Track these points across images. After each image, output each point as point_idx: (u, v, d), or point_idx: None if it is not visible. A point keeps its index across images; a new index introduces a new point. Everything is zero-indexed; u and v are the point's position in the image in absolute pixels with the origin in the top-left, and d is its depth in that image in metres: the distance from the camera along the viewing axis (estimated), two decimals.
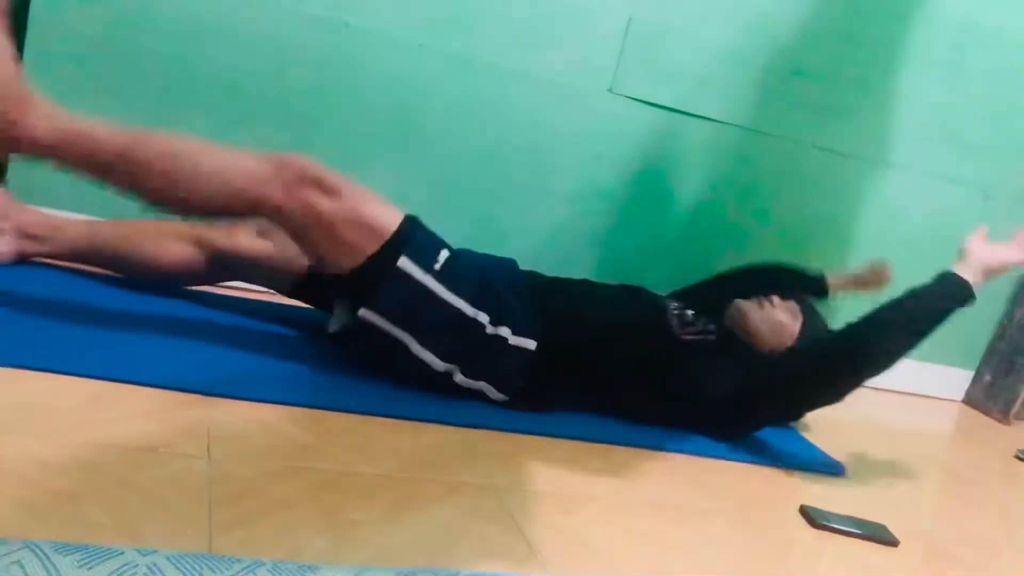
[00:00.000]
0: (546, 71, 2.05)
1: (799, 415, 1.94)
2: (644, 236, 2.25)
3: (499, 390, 1.61)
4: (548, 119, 2.08)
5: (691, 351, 1.73)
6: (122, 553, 0.80)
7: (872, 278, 1.93)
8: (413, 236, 1.51)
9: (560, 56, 2.05)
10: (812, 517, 1.52)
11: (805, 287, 1.97)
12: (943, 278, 1.73)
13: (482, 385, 1.61)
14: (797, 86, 2.27)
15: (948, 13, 2.33)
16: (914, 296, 1.72)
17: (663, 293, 1.94)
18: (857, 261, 2.17)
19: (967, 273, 1.73)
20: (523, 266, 1.80)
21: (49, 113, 1.36)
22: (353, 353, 1.64)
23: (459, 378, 1.59)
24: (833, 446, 1.93)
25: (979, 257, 1.75)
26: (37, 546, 0.78)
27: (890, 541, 1.52)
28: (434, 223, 1.90)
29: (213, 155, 1.42)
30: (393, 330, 1.53)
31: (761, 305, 1.84)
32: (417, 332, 1.54)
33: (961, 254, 1.77)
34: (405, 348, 1.54)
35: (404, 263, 1.49)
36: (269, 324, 1.74)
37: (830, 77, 2.29)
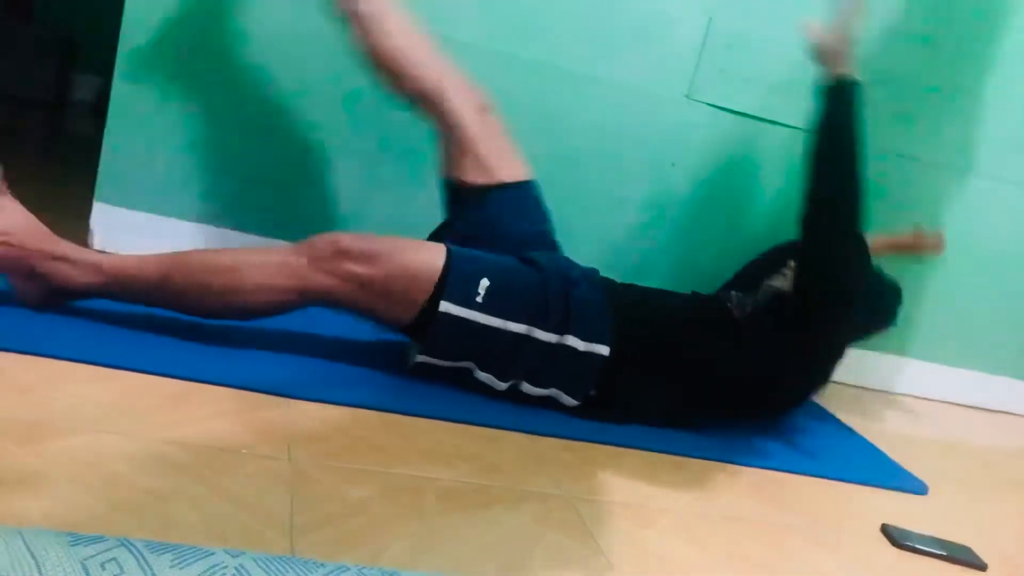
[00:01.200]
0: (623, 77, 2.04)
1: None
2: (719, 244, 2.22)
3: (571, 395, 1.61)
4: (624, 125, 2.07)
5: (746, 328, 1.71)
6: (213, 554, 0.82)
7: (917, 242, 1.84)
8: (450, 276, 1.50)
9: (637, 62, 2.04)
10: (894, 537, 1.48)
11: None
12: (829, 91, 1.67)
13: (553, 392, 1.61)
14: (878, 92, 2.21)
15: None
16: (824, 127, 1.66)
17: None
18: (939, 313, 2.07)
19: (833, 70, 1.67)
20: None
21: (84, 259, 1.42)
22: None
23: (526, 388, 1.60)
24: (913, 463, 1.88)
25: (830, 47, 1.67)
26: (132, 545, 0.80)
27: (977, 564, 1.47)
28: None
29: (248, 262, 1.46)
30: (453, 364, 1.57)
31: (784, 275, 1.81)
32: (476, 360, 1.56)
33: (816, 58, 1.69)
34: (469, 373, 1.58)
35: (445, 307, 1.49)
36: (347, 328, 1.76)
37: (912, 83, 2.23)
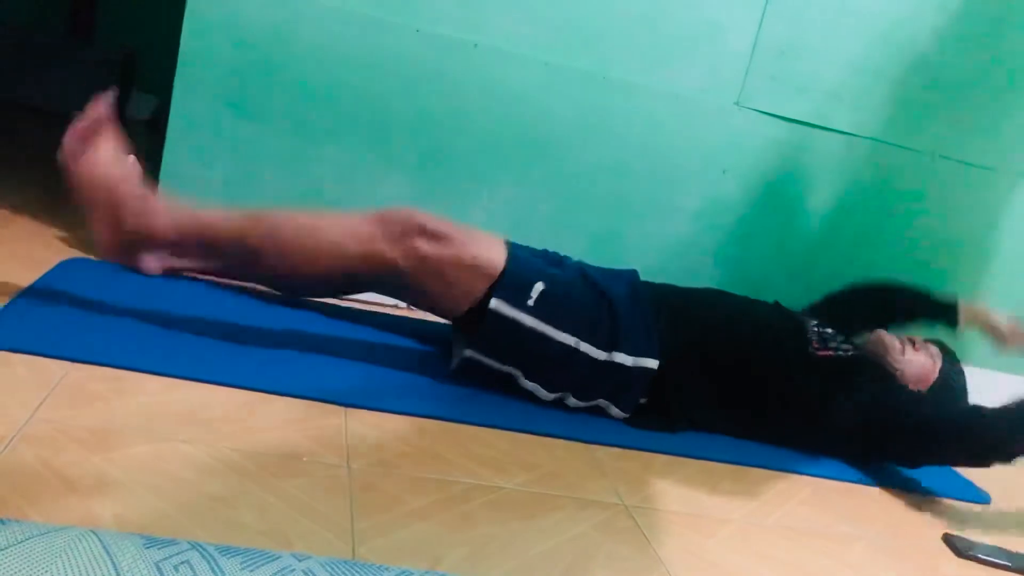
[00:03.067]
0: (673, 86, 2.04)
1: (921, 464, 1.79)
2: (771, 252, 2.20)
3: (619, 408, 1.61)
4: (675, 134, 2.07)
5: (826, 368, 1.68)
6: (280, 557, 0.84)
7: (1010, 338, 1.81)
8: (505, 274, 1.51)
9: (687, 70, 2.03)
10: (957, 547, 1.45)
11: (937, 315, 1.89)
12: None
13: (600, 403, 1.61)
14: (933, 97, 2.19)
15: None
16: None
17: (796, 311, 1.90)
18: (1000, 302, 2.02)
19: None
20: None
21: (168, 209, 1.48)
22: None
23: (572, 402, 1.60)
24: (974, 473, 1.84)
25: None
26: (203, 548, 0.82)
27: None
28: (559, 238, 1.91)
29: (324, 225, 1.49)
30: (500, 367, 1.57)
31: (903, 344, 1.78)
32: (523, 367, 1.57)
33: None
34: (514, 380, 1.58)
35: (495, 304, 1.50)
36: (403, 338, 1.78)
37: (968, 87, 2.20)
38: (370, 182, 1.97)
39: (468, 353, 1.56)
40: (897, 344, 1.78)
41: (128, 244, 1.48)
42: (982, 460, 1.66)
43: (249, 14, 1.83)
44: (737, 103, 2.08)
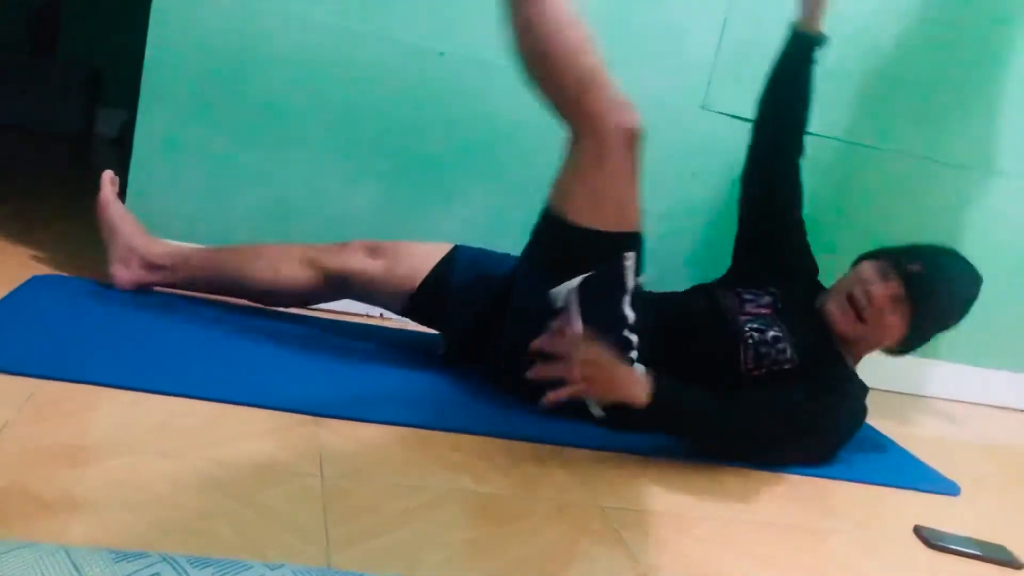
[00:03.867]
0: (639, 90, 2.04)
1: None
2: None
3: (600, 406, 1.61)
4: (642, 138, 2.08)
5: (759, 383, 1.66)
6: (252, 567, 0.83)
7: None
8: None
9: (652, 75, 2.05)
10: (928, 538, 1.47)
11: None
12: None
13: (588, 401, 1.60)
14: (895, 95, 2.22)
15: None
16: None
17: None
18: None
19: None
20: None
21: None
22: (464, 368, 1.72)
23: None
24: (945, 465, 1.87)
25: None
26: (174, 559, 0.81)
27: (1012, 563, 1.46)
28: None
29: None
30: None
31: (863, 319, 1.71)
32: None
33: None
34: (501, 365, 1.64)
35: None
36: (376, 347, 1.78)
37: (931, 86, 2.24)
38: (341, 192, 1.97)
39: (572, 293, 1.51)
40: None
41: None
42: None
43: (214, 26, 1.83)
44: (703, 106, 2.10)
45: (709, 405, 1.55)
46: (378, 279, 1.72)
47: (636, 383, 1.44)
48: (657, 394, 1.44)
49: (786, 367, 1.66)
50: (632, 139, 1.54)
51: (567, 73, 1.53)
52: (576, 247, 1.56)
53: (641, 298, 1.64)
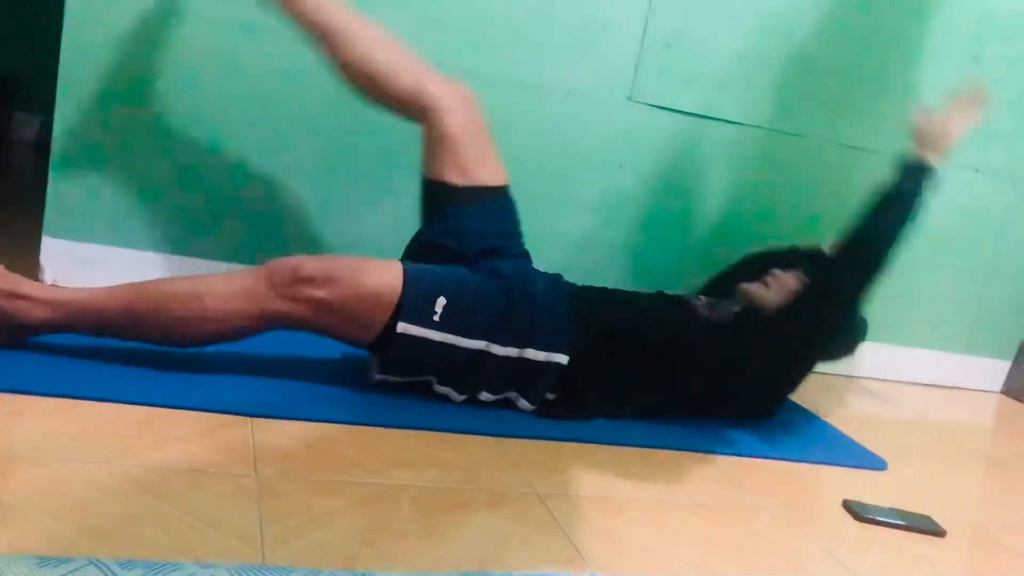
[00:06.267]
0: (565, 83, 2.08)
1: (828, 350, 1.92)
2: (670, 241, 2.26)
3: (528, 400, 1.63)
4: (569, 130, 2.11)
5: (716, 330, 1.76)
6: (182, 567, 0.82)
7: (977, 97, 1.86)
8: (406, 296, 1.51)
9: (578, 68, 2.07)
10: (855, 511, 1.51)
11: (802, 261, 1.95)
12: (909, 169, 1.75)
13: (510, 395, 1.63)
14: (816, 84, 2.28)
15: (966, 5, 2.33)
16: (889, 197, 1.75)
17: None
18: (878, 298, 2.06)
19: (928, 155, 1.75)
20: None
21: (44, 296, 1.42)
22: None
23: (483, 395, 1.62)
24: (873, 441, 1.93)
25: (932, 135, 1.76)
26: (101, 562, 0.80)
27: (936, 531, 1.51)
28: None
29: (209, 290, 1.46)
30: (413, 379, 1.59)
31: (766, 283, 1.85)
32: (435, 374, 1.59)
33: (915, 136, 1.78)
34: (428, 385, 1.61)
35: (403, 327, 1.50)
36: (306, 346, 1.76)
37: (848, 73, 2.30)
38: (269, 189, 1.94)
39: (380, 377, 1.58)
40: (758, 285, 1.86)
41: (6, 331, 1.43)
42: (833, 312, 1.77)
43: (128, 25, 1.79)
44: (629, 97, 2.13)
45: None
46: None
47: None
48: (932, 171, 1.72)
49: (732, 313, 1.81)
50: (299, 280, 1.46)
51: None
52: (392, 353, 1.54)
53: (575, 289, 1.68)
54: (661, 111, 2.16)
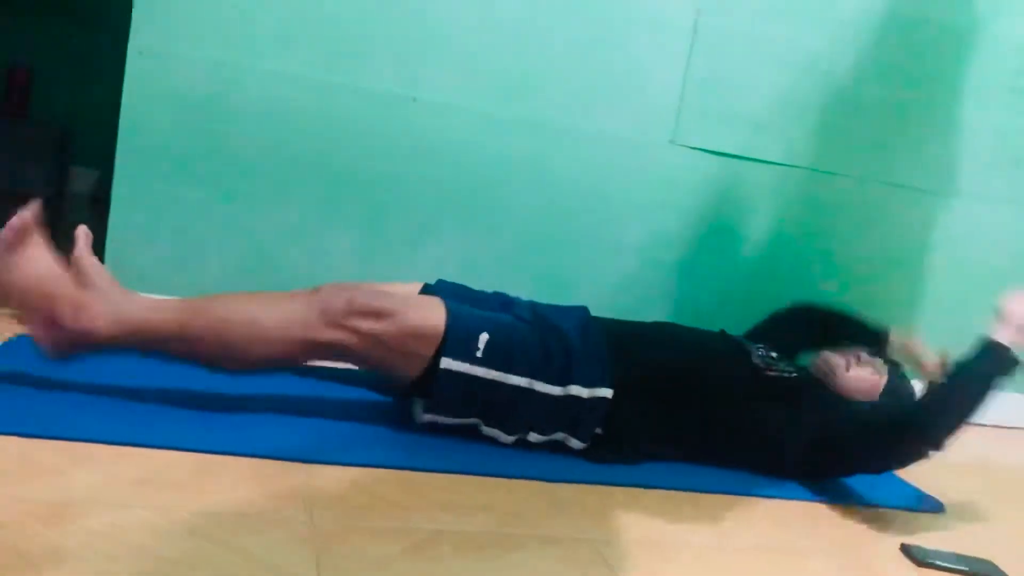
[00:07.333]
0: (608, 128, 2.10)
1: (872, 469, 1.82)
2: (713, 282, 2.25)
3: (578, 438, 1.63)
4: (613, 174, 2.12)
5: (773, 389, 1.73)
6: None
7: (929, 371, 1.85)
8: (450, 332, 1.53)
9: (620, 113, 2.10)
10: (915, 556, 1.48)
11: (868, 342, 1.95)
12: (986, 350, 1.68)
13: (559, 436, 1.62)
14: (856, 123, 2.28)
15: (1006, 39, 2.32)
16: (962, 375, 1.69)
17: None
18: (932, 337, 2.04)
19: (1007, 337, 1.68)
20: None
21: (106, 309, 1.44)
22: None
23: (533, 437, 1.62)
24: (929, 484, 1.88)
25: (1019, 316, 1.69)
26: None
27: None
28: (507, 282, 1.94)
29: (264, 312, 1.48)
30: (459, 421, 1.60)
31: (847, 361, 1.83)
32: (480, 415, 1.59)
33: (1000, 316, 1.71)
34: (475, 429, 1.61)
35: (446, 363, 1.52)
36: (354, 389, 1.78)
37: (889, 111, 2.29)
38: (318, 241, 1.98)
39: (427, 418, 1.59)
40: (841, 361, 1.83)
41: (67, 344, 1.45)
42: (912, 450, 1.69)
43: (189, 82, 1.85)
44: (672, 140, 2.15)
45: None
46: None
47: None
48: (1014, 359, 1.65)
49: (794, 374, 1.78)
50: (354, 311, 1.48)
51: (265, 354, 1.49)
52: (433, 390, 1.54)
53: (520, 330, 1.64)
54: (703, 153, 2.17)
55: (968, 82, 2.33)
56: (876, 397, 1.81)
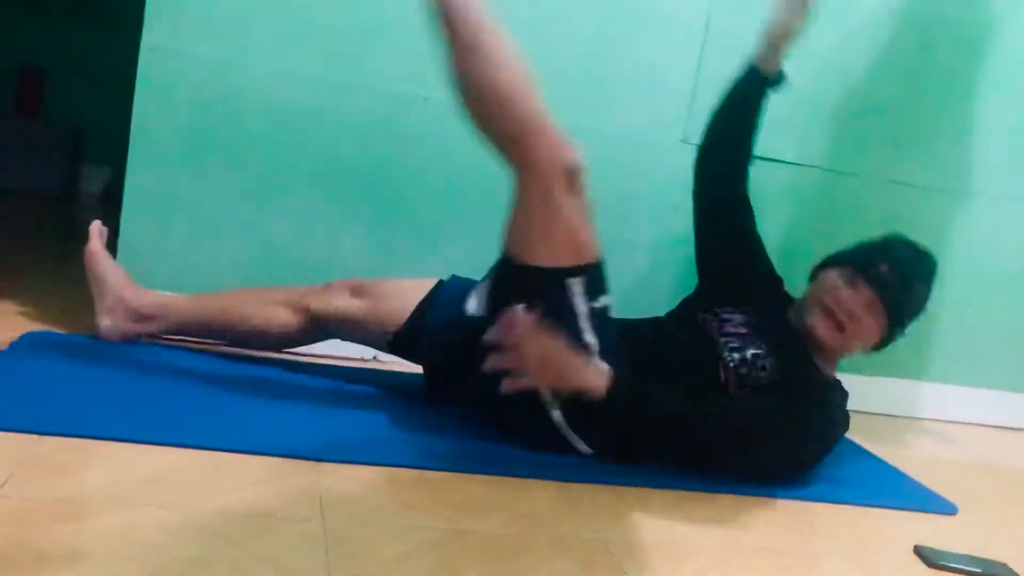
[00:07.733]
0: (620, 127, 2.09)
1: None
2: None
3: (587, 443, 1.61)
4: (625, 173, 2.12)
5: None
6: None
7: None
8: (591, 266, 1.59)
9: (632, 112, 2.09)
10: (928, 557, 1.47)
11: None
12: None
13: (572, 437, 1.61)
14: (871, 123, 2.27)
15: (1022, 37, 2.31)
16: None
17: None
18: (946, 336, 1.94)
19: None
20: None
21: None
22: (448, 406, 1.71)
23: (556, 416, 1.56)
24: (940, 485, 1.87)
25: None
26: None
27: None
28: None
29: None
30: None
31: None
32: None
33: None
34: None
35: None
36: (368, 389, 1.79)
37: (904, 111, 2.28)
38: (330, 238, 1.99)
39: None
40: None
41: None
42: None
43: (201, 80, 1.86)
44: (684, 140, 2.14)
45: (676, 401, 1.53)
46: (361, 318, 1.74)
47: (594, 373, 1.46)
48: (618, 384, 1.45)
49: (764, 383, 1.67)
50: (573, 175, 1.53)
51: (506, 116, 1.53)
52: (533, 285, 1.54)
53: (614, 324, 1.64)
54: None
55: (983, 81, 2.31)
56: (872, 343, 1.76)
